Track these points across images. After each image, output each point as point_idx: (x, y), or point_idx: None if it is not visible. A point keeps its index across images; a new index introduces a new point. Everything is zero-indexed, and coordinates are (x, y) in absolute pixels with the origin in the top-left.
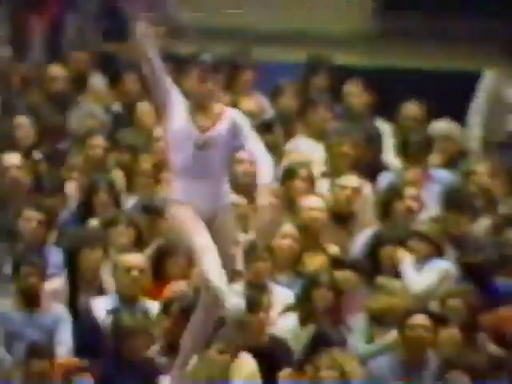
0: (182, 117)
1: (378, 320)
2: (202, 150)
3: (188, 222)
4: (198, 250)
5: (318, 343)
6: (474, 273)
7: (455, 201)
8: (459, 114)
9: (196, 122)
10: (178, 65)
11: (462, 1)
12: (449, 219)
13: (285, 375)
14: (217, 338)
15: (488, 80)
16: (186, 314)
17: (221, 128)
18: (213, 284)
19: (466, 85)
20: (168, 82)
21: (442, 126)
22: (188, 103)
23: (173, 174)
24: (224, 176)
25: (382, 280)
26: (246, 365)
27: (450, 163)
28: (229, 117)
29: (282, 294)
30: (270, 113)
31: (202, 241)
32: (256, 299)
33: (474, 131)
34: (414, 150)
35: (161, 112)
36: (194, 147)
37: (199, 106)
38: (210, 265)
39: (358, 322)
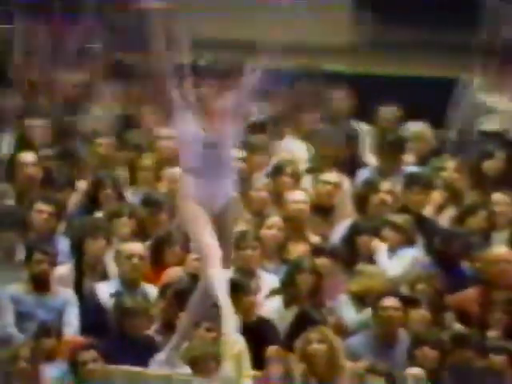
0: (190, 120)
1: (360, 300)
2: (210, 148)
3: (196, 220)
4: (205, 249)
5: (302, 322)
6: (442, 259)
7: (414, 179)
8: (437, 117)
9: (203, 124)
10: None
11: (440, 15)
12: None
13: (272, 351)
14: (206, 317)
15: (465, 87)
16: (180, 297)
17: (226, 128)
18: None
19: (444, 90)
20: (175, 90)
21: (414, 127)
22: (193, 108)
23: (183, 172)
24: (230, 173)
25: (362, 266)
26: (236, 342)
27: (422, 161)
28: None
29: (268, 279)
30: (262, 115)
31: (208, 240)
32: (244, 283)
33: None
34: (388, 149)
35: (167, 116)
36: (203, 147)
37: (203, 108)
38: (216, 273)
39: (343, 300)
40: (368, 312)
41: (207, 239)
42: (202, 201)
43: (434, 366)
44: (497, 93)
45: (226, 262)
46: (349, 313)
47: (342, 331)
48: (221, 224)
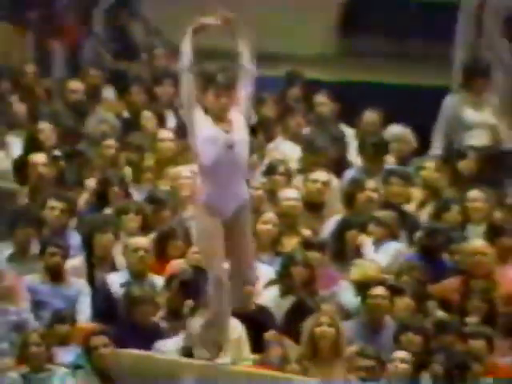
0: (208, 124)
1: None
2: (229, 150)
3: (210, 240)
4: (212, 278)
5: (298, 310)
6: (425, 251)
7: (392, 173)
8: (411, 120)
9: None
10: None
11: (409, 27)
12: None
13: (270, 336)
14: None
15: (448, 102)
16: (184, 287)
17: (241, 132)
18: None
19: (414, 96)
20: (194, 98)
21: (395, 129)
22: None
23: (201, 177)
24: (244, 175)
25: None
26: (236, 329)
27: (403, 161)
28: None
29: (264, 271)
30: (253, 119)
31: (217, 266)
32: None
33: (436, 145)
34: (372, 151)
35: (186, 124)
36: (222, 148)
37: (217, 117)
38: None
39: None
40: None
41: (217, 266)
42: (217, 203)
43: (418, 350)
44: (479, 108)
45: (251, 259)
46: (348, 298)
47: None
48: (237, 225)
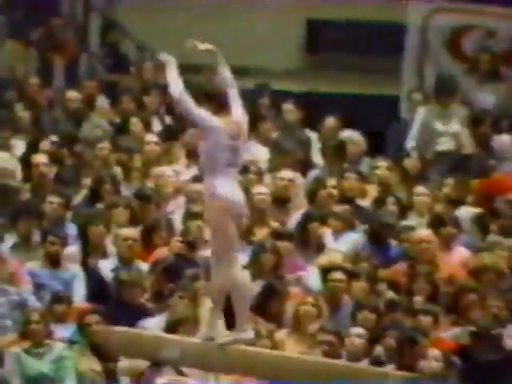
0: (215, 120)
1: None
2: (233, 151)
3: (225, 229)
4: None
5: (268, 292)
6: (373, 239)
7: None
8: (367, 124)
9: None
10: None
11: (365, 44)
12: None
13: None
14: (180, 288)
15: (421, 113)
16: (167, 272)
17: (242, 135)
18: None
19: (372, 104)
20: (193, 105)
21: (347, 133)
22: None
23: (213, 172)
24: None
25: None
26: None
27: (356, 161)
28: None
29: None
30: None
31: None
32: None
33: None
34: (331, 152)
35: (196, 126)
36: (228, 138)
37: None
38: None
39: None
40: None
41: (232, 253)
42: (231, 199)
43: (372, 326)
44: (447, 119)
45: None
46: (314, 282)
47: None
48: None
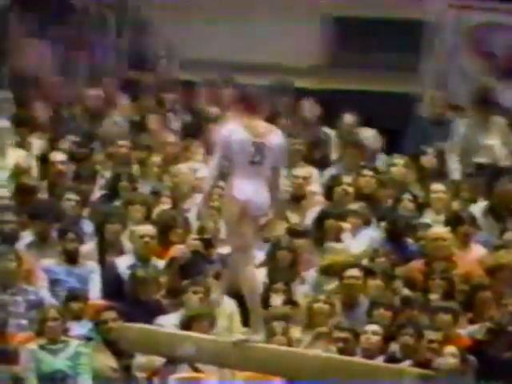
0: (241, 134)
1: (326, 272)
2: (257, 152)
3: (240, 220)
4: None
5: None
6: (390, 236)
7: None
8: (387, 124)
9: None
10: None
11: (384, 42)
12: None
13: None
14: (195, 284)
15: (461, 125)
16: (183, 269)
17: (269, 140)
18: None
19: (390, 102)
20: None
21: (366, 131)
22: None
23: (232, 176)
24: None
25: (328, 244)
26: (228, 305)
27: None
28: (276, 135)
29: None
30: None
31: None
32: None
33: (454, 167)
34: (349, 149)
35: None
36: (251, 150)
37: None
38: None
39: (310, 275)
40: (333, 283)
41: (248, 241)
42: (249, 200)
43: (388, 323)
44: (485, 130)
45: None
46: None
47: None
48: (257, 224)
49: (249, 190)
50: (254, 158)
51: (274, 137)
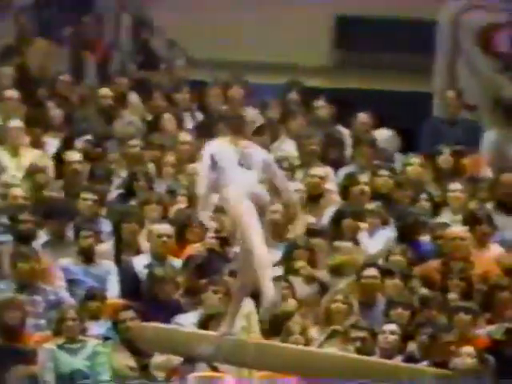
0: (226, 147)
1: (336, 272)
2: (243, 159)
3: (249, 222)
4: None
5: None
6: (401, 234)
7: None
8: (398, 121)
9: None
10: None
11: (397, 39)
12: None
13: None
14: (213, 282)
15: (491, 138)
16: (200, 268)
17: (254, 153)
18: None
19: (401, 101)
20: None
21: (381, 132)
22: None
23: (225, 187)
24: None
25: (338, 243)
26: (247, 304)
27: (390, 159)
28: (259, 150)
29: (271, 254)
30: (259, 121)
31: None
32: None
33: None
34: (364, 149)
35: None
36: (237, 159)
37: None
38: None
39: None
40: (345, 281)
41: (259, 246)
42: (249, 199)
43: (405, 323)
44: None
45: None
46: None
47: None
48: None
49: (244, 188)
50: (240, 162)
51: (258, 151)
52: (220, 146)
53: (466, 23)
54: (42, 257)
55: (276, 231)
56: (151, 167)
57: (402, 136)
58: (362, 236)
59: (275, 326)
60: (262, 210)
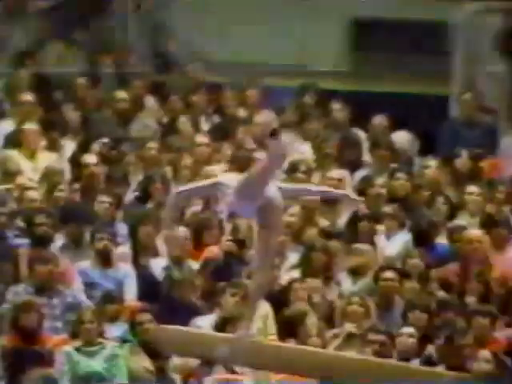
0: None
1: (354, 273)
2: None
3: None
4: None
5: None
6: (417, 237)
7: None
8: (415, 123)
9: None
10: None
11: (412, 41)
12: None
13: None
14: (232, 285)
15: (508, 140)
16: (217, 271)
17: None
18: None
19: (418, 103)
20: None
21: (399, 134)
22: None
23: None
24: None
25: (356, 245)
26: (263, 306)
27: (408, 161)
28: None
29: (289, 257)
30: (275, 123)
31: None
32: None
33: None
34: (381, 151)
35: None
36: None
37: None
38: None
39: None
40: (362, 282)
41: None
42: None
43: (424, 326)
44: None
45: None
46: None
47: None
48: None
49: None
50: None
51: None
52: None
53: (483, 25)
54: (60, 260)
55: (293, 234)
56: (168, 170)
57: (419, 139)
58: (379, 239)
59: (289, 327)
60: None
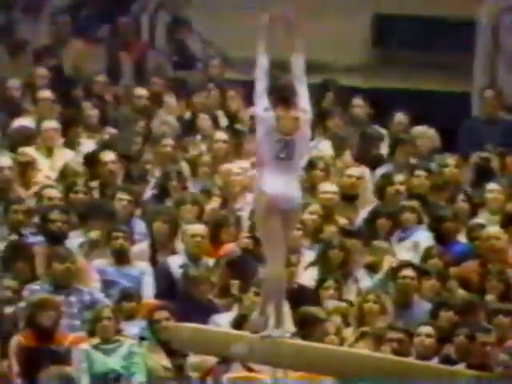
0: (266, 112)
1: (372, 269)
2: (286, 147)
3: (266, 222)
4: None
5: None
6: (436, 235)
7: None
8: (437, 121)
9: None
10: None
11: (435, 38)
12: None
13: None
14: (254, 284)
15: None
16: (234, 268)
17: (301, 131)
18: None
19: (440, 100)
20: (261, 89)
21: (421, 129)
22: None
23: (262, 165)
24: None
25: (376, 243)
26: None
27: (427, 157)
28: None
29: (306, 254)
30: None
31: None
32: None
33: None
34: (400, 148)
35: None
36: (278, 133)
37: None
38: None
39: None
40: (379, 278)
41: (273, 251)
42: (278, 194)
43: (451, 325)
44: None
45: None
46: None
47: None
48: (289, 218)
49: (277, 184)
50: (283, 153)
51: (302, 134)
52: (268, 124)
53: (506, 23)
54: (78, 257)
55: (311, 232)
56: (185, 167)
57: (440, 136)
58: (398, 236)
59: (306, 326)
60: (288, 216)
